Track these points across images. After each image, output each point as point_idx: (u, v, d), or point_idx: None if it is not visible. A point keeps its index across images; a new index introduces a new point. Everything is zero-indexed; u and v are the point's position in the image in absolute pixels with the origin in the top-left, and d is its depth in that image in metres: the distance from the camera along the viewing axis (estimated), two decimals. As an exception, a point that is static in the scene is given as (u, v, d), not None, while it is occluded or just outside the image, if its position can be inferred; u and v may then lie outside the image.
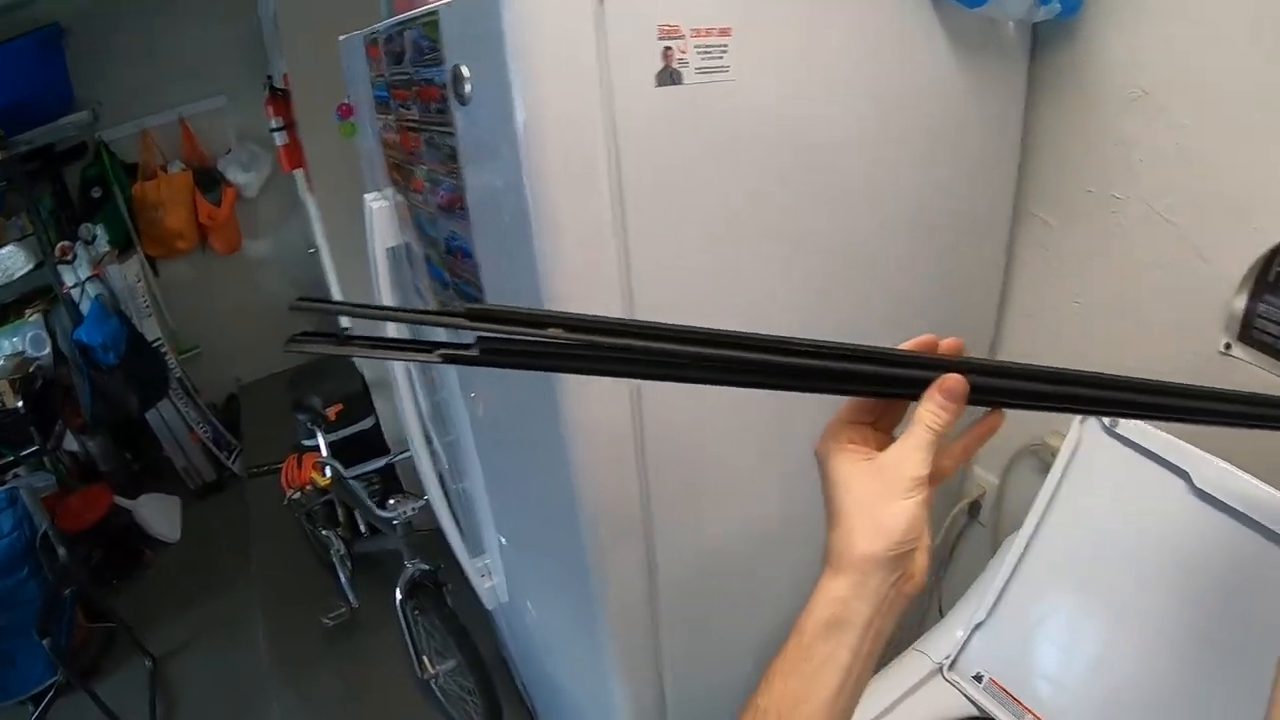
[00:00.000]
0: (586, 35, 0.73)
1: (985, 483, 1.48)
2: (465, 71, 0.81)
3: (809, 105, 0.90)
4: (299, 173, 2.73)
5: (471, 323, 0.42)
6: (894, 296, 1.11)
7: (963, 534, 1.57)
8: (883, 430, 0.51)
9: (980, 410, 0.54)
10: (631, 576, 1.02)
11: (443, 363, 0.43)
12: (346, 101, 1.45)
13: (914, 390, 0.49)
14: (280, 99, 2.57)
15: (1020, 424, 1.38)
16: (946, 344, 0.52)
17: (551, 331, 0.41)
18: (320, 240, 2.63)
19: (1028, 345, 1.35)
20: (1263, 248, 0.96)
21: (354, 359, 2.40)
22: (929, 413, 0.48)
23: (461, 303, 1.03)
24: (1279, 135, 0.95)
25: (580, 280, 0.80)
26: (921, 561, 0.49)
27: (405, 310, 0.36)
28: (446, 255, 1.03)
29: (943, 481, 0.53)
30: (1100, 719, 1.01)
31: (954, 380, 0.48)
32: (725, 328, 0.46)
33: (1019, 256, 1.30)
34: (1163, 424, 0.98)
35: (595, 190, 0.77)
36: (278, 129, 2.62)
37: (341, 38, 1.30)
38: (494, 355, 0.43)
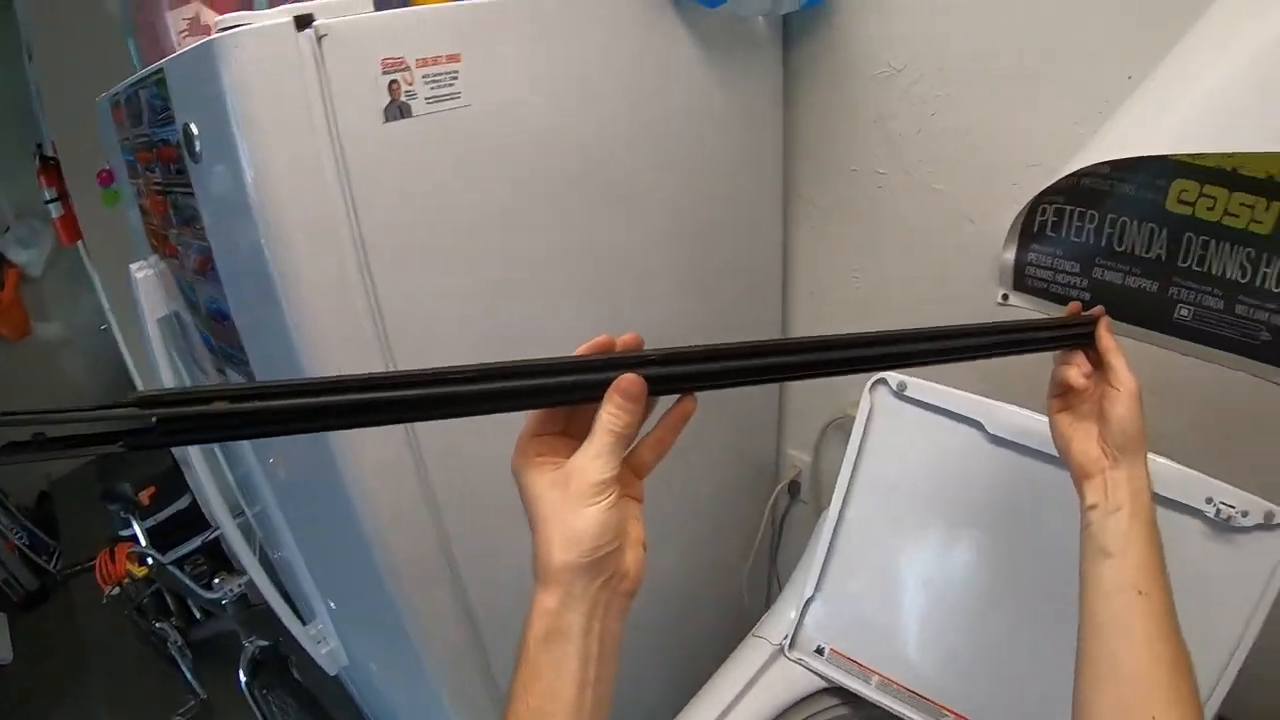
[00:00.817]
0: (308, 79, 0.70)
1: (799, 461, 1.54)
2: (194, 129, 0.77)
3: (557, 119, 0.90)
4: (80, 244, 2.55)
5: (144, 410, 0.39)
6: (678, 293, 1.14)
7: (787, 514, 1.62)
8: (575, 436, 0.51)
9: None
10: (447, 622, 0.99)
11: (127, 450, 0.41)
12: (106, 168, 1.35)
13: (594, 394, 0.49)
14: (51, 168, 2.39)
15: (823, 398, 1.43)
16: (624, 340, 0.52)
17: (217, 405, 0.39)
18: (109, 315, 2.46)
19: (813, 323, 1.41)
20: (1019, 201, 1.01)
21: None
22: (608, 415, 0.48)
23: (229, 368, 0.98)
24: (1022, 101, 1.02)
25: (333, 329, 0.77)
26: (634, 558, 0.50)
27: (69, 411, 0.33)
28: (210, 320, 0.97)
29: (648, 473, 0.55)
30: (942, 663, 1.04)
31: (628, 381, 0.49)
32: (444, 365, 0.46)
33: (795, 239, 1.34)
34: (949, 379, 1.03)
35: (334, 236, 0.74)
36: (52, 200, 2.43)
37: (97, 99, 1.22)
38: (173, 435, 0.40)
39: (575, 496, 0.47)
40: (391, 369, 0.81)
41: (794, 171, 1.30)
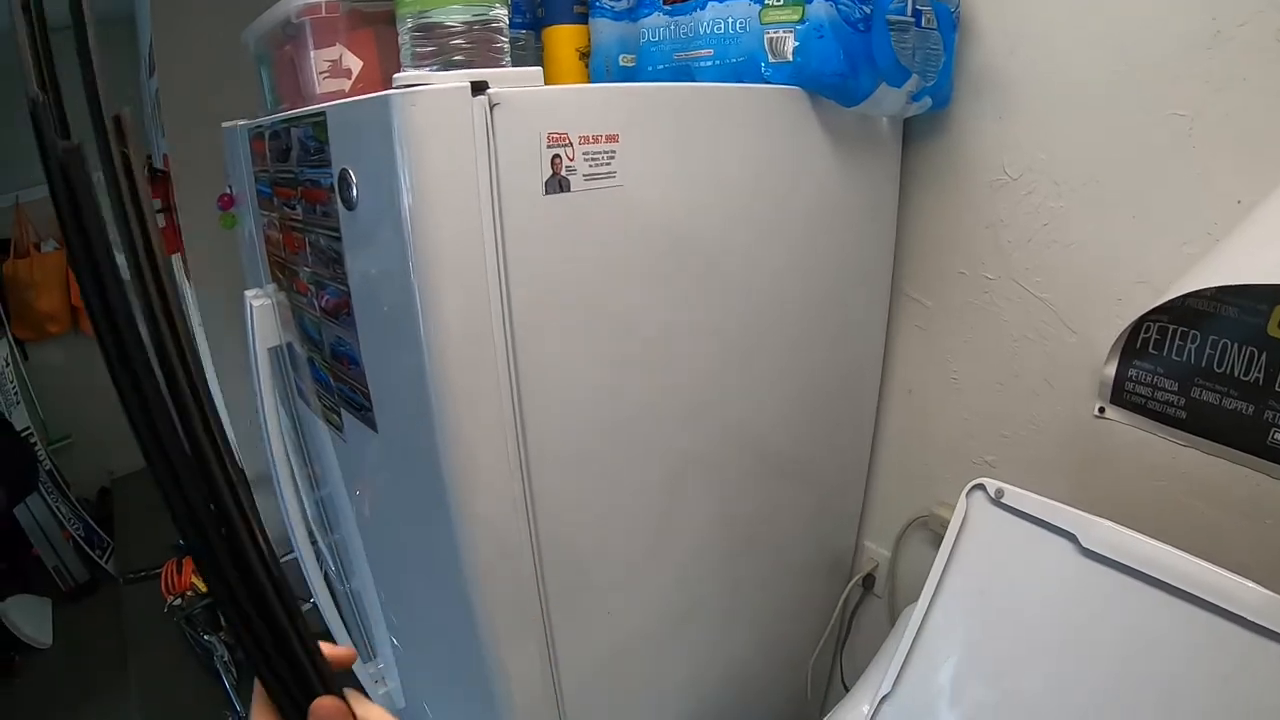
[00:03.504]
0: (479, 144, 0.72)
1: (877, 555, 1.52)
2: (353, 176, 0.80)
3: (692, 207, 0.92)
4: (176, 257, 2.63)
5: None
6: (782, 384, 1.14)
7: (859, 607, 1.60)
8: None
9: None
10: (533, 675, 0.99)
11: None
12: (228, 192, 1.40)
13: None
14: (160, 180, 2.48)
15: (909, 494, 1.43)
16: (335, 655, 0.47)
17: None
18: (198, 331, 2.52)
19: (907, 420, 1.40)
20: (1123, 317, 1.03)
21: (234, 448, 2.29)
22: None
23: (345, 409, 1.00)
24: (1133, 218, 1.03)
25: (470, 388, 0.78)
26: None
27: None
28: (332, 360, 0.99)
29: None
30: None
31: (327, 710, 0.44)
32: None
33: (898, 337, 1.36)
34: (1045, 490, 1.03)
35: (484, 297, 0.76)
36: (157, 211, 2.51)
37: (225, 125, 1.27)
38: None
39: None
40: (520, 434, 0.83)
41: (903, 269, 1.31)
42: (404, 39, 0.93)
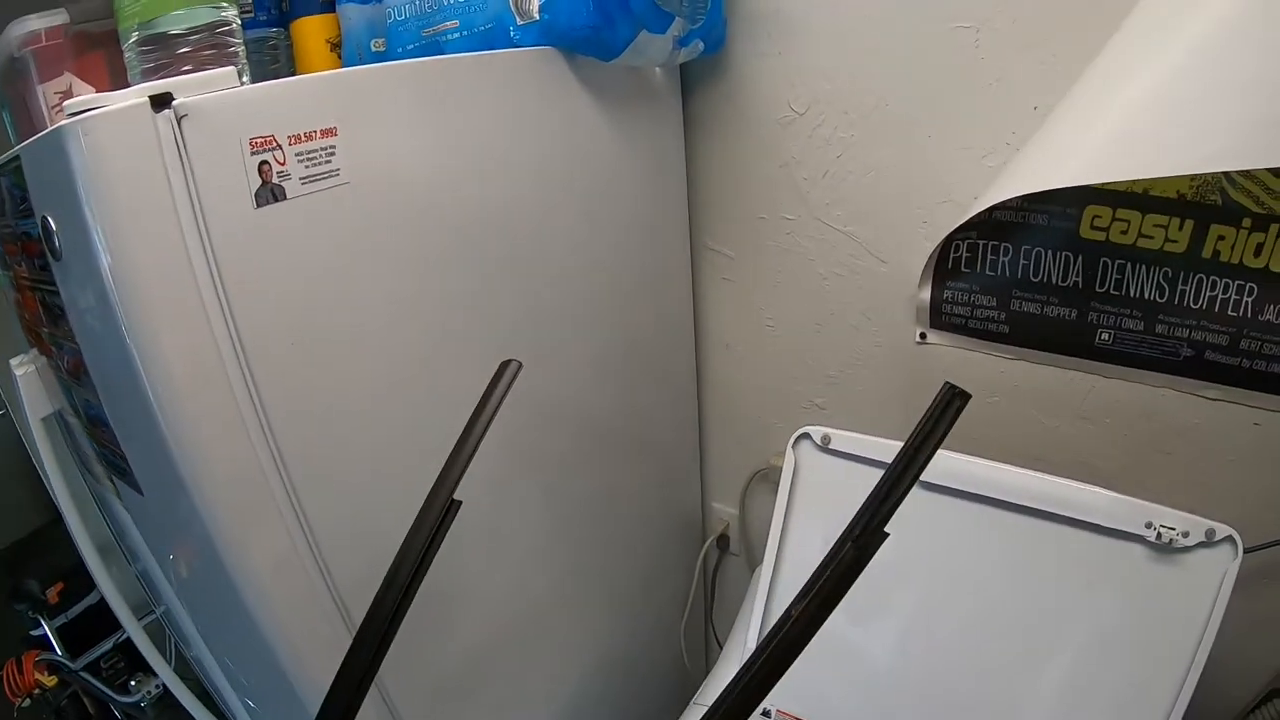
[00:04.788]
0: (170, 164, 0.64)
1: (726, 514, 1.52)
2: (53, 223, 0.71)
3: (448, 189, 0.86)
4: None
5: None
6: (591, 355, 1.11)
7: (719, 567, 1.59)
8: None
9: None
10: (367, 716, 0.92)
11: None
12: (-20, 254, 1.27)
13: None
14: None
15: (744, 450, 1.42)
16: None
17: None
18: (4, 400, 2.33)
19: (730, 375, 1.39)
20: (932, 239, 1.02)
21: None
22: None
23: (116, 477, 0.91)
24: (928, 137, 1.02)
25: (214, 434, 0.71)
26: None
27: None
28: (89, 424, 0.90)
29: None
30: (891, 716, 1.02)
31: None
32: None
33: (707, 291, 1.33)
34: (875, 429, 1.03)
35: (207, 333, 0.68)
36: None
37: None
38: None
39: None
40: (283, 469, 0.75)
41: (701, 222, 1.29)
42: (129, 55, 0.85)
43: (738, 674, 0.41)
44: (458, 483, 0.63)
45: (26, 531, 2.64)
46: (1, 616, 2.99)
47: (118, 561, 1.19)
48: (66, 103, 0.65)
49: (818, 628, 0.40)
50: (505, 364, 0.66)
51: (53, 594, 2.05)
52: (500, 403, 0.65)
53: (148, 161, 0.63)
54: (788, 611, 0.43)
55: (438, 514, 0.63)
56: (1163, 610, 0.88)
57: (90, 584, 2.19)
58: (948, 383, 0.35)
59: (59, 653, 1.86)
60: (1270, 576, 0.98)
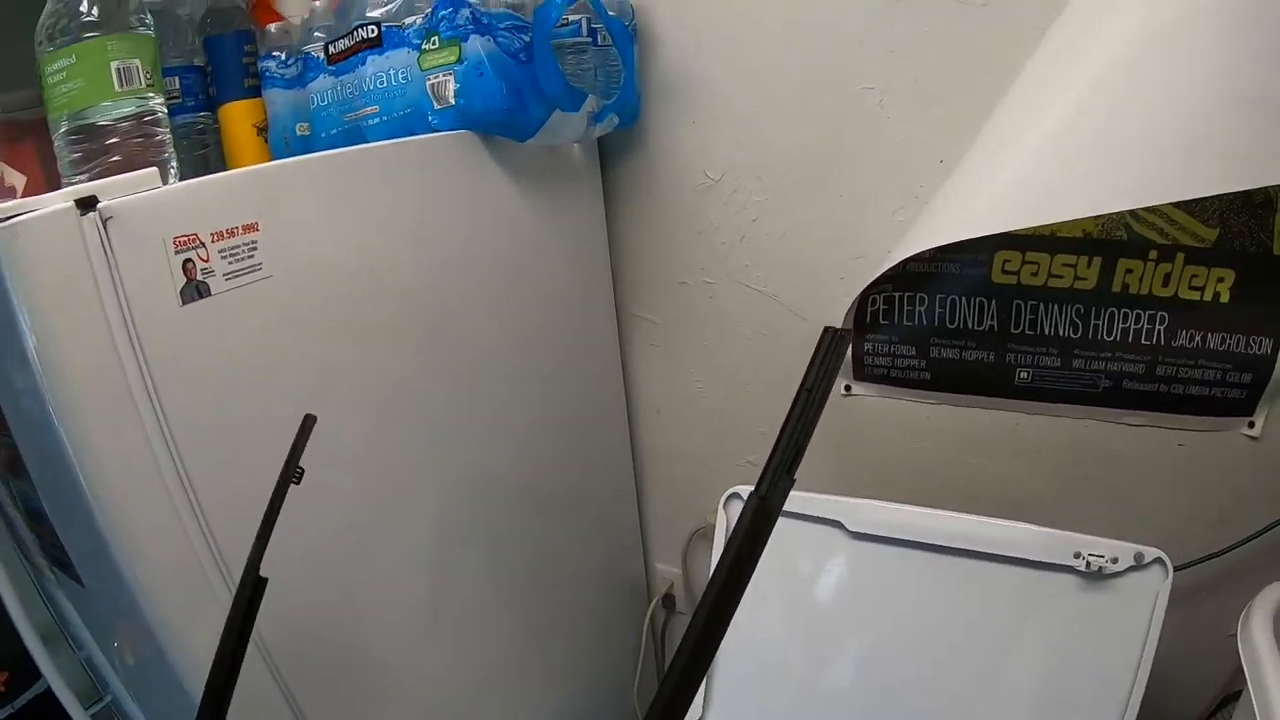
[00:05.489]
0: (97, 266, 0.66)
1: (670, 574, 1.52)
2: (-17, 320, 0.72)
3: (368, 274, 0.87)
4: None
5: None
6: (519, 425, 1.12)
7: (666, 627, 1.59)
8: None
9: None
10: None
11: None
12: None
13: None
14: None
15: (681, 509, 1.43)
16: None
17: None
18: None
19: (662, 438, 1.41)
20: (849, 294, 1.04)
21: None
22: None
23: (58, 570, 0.91)
24: (839, 196, 1.06)
25: (150, 528, 0.72)
26: None
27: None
28: (28, 517, 0.90)
29: None
30: None
31: None
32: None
33: (635, 358, 1.35)
34: (802, 484, 1.02)
35: (139, 431, 0.69)
36: None
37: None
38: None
39: None
40: (221, 566, 0.76)
41: (625, 290, 1.31)
42: (59, 145, 0.86)
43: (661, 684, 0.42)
44: (260, 559, 0.64)
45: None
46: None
47: (64, 649, 1.16)
48: None
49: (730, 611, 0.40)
50: (307, 418, 0.67)
51: (-1, 683, 2.00)
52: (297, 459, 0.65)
53: (74, 263, 0.65)
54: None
55: (246, 594, 0.63)
56: (1100, 636, 0.89)
57: (36, 674, 2.14)
58: (827, 327, 0.36)
59: (8, 745, 1.81)
60: (1208, 589, 1.00)
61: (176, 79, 1.09)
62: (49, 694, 2.12)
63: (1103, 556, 0.88)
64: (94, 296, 0.66)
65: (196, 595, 0.75)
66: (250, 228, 0.74)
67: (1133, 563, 0.88)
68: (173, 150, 0.88)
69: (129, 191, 0.68)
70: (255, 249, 0.75)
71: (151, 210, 0.69)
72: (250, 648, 0.81)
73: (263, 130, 1.10)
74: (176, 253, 0.69)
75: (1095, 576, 0.90)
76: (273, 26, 1.09)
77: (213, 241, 0.71)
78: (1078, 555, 0.89)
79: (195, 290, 0.71)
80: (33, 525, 0.90)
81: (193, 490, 0.73)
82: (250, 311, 0.76)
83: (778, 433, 0.39)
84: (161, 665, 0.77)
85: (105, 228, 0.66)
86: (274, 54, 1.07)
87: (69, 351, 0.66)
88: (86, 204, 0.66)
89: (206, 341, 0.73)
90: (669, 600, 1.53)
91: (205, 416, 0.74)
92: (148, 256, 0.68)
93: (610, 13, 1.04)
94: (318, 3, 1.03)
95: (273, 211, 0.76)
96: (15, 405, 0.75)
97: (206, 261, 0.71)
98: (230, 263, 0.73)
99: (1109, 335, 0.97)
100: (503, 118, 0.94)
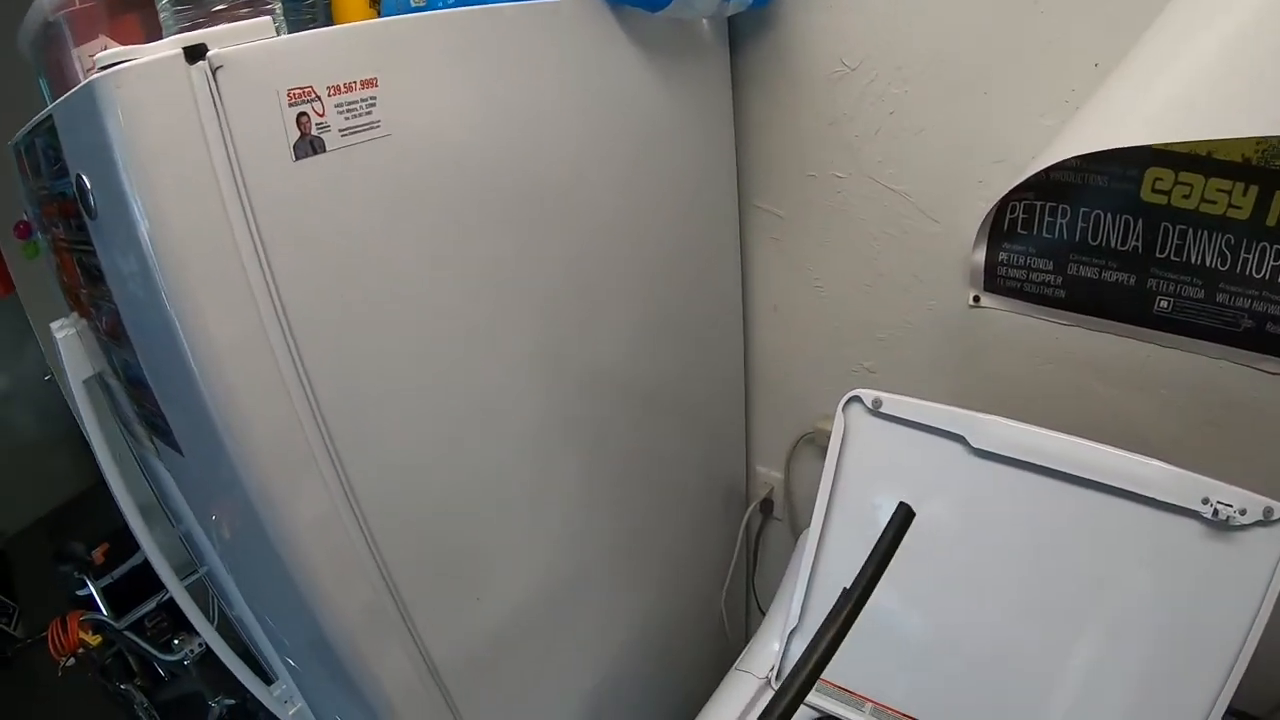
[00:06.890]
0: (205, 118, 0.63)
1: (770, 479, 1.50)
2: (87, 182, 0.70)
3: (490, 142, 0.84)
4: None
5: None
6: (635, 315, 1.09)
7: (762, 532, 1.58)
8: None
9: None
10: (405, 673, 0.92)
11: None
12: (24, 219, 1.27)
13: None
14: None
15: (791, 413, 1.40)
16: None
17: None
18: (52, 366, 2.37)
19: (778, 337, 1.36)
20: (987, 199, 0.99)
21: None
22: None
23: (157, 439, 0.91)
24: (985, 95, 0.98)
25: (255, 397, 0.70)
26: None
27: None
28: (128, 384, 0.90)
29: None
30: (936, 685, 1.02)
31: None
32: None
33: (754, 252, 1.31)
34: (927, 394, 1.00)
35: (247, 292, 0.67)
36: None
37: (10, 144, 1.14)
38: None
39: None
40: (324, 428, 0.74)
41: (749, 181, 1.25)
42: (164, 15, 0.83)
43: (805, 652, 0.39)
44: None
45: (73, 495, 2.69)
46: (48, 578, 3.07)
47: (161, 523, 1.19)
48: (98, 55, 0.64)
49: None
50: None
51: (98, 555, 2.09)
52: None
53: (182, 114, 0.62)
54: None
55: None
56: (1215, 589, 0.85)
57: (135, 546, 2.24)
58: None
59: (104, 613, 1.90)
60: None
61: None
62: (145, 566, 2.23)
63: (1231, 506, 0.83)
64: (202, 149, 0.63)
65: (297, 466, 0.74)
66: (369, 83, 0.70)
67: (1260, 517, 0.82)
68: (283, 20, 0.84)
69: (240, 40, 0.64)
70: (374, 105, 0.70)
71: (265, 60, 0.65)
72: (355, 531, 0.81)
73: (376, 1, 1.07)
74: (290, 105, 0.66)
75: (1220, 526, 0.85)
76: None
77: (329, 95, 0.67)
78: (1205, 501, 0.84)
79: (310, 145, 0.67)
80: (133, 394, 0.90)
81: (299, 356, 0.71)
82: (366, 170, 0.72)
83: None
84: (258, 535, 0.76)
85: (215, 77, 0.63)
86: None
87: (174, 206, 0.63)
88: (195, 53, 0.62)
89: (319, 200, 0.70)
90: (767, 505, 1.51)
91: (314, 280, 0.71)
92: (260, 109, 0.65)
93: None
94: None
95: (393, 68, 0.72)
96: (118, 267, 0.74)
97: (322, 116, 0.67)
98: (347, 118, 0.69)
99: (1258, 272, 0.90)
100: (636, -16, 0.88)
